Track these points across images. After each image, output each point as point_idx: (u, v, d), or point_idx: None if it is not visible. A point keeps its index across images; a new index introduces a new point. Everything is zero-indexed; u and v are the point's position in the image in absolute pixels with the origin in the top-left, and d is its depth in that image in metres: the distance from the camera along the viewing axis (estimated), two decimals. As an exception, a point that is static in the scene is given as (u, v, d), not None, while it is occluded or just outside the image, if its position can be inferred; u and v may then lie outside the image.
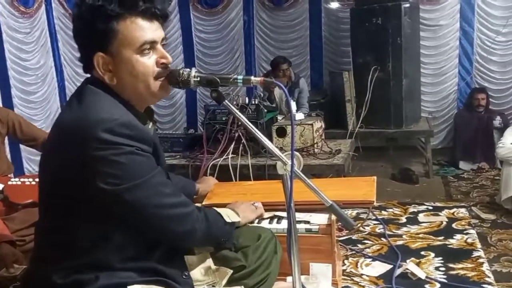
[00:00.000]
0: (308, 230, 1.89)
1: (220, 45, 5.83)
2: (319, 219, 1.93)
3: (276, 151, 1.40)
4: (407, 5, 4.54)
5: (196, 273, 1.47)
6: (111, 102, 1.31)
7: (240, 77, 1.38)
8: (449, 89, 5.24)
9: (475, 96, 4.92)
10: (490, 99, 5.00)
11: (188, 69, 1.39)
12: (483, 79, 5.13)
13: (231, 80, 1.38)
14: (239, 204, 1.77)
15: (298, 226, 1.71)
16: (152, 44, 1.33)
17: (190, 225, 1.38)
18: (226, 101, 1.41)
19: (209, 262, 1.51)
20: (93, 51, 1.31)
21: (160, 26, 1.37)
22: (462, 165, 4.74)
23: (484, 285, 2.44)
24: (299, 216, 1.85)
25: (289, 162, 1.35)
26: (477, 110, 4.88)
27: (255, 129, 1.40)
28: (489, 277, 2.54)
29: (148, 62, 1.33)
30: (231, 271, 1.51)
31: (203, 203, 1.99)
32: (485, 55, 5.09)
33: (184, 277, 1.40)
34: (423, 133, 4.67)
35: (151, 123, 1.47)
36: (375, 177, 2.13)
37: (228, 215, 1.56)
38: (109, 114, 1.24)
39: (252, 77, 1.37)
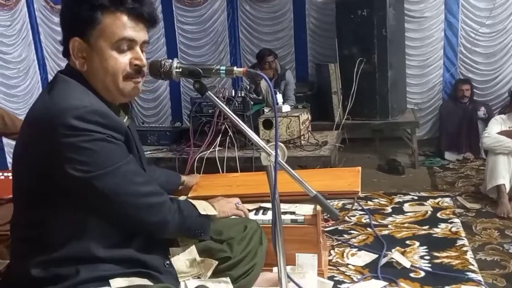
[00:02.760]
0: (294, 221, 1.89)
1: (203, 37, 5.78)
2: (305, 210, 1.93)
3: (260, 142, 1.39)
4: (392, -4, 4.56)
5: (181, 265, 1.46)
6: (82, 90, 1.29)
7: (223, 67, 1.38)
8: (434, 81, 5.26)
9: (460, 87, 4.95)
10: (475, 90, 5.03)
11: (170, 60, 1.38)
12: (467, 70, 5.16)
13: (213, 70, 1.38)
14: (219, 199, 1.75)
15: (284, 217, 1.71)
16: (131, 43, 1.33)
17: (162, 216, 1.36)
18: (209, 92, 1.40)
19: (194, 253, 1.49)
20: (71, 34, 1.30)
21: (145, 29, 1.36)
22: (448, 155, 4.77)
23: (467, 273, 2.46)
24: (285, 207, 1.84)
25: (273, 153, 1.34)
26: (461, 101, 4.92)
27: (237, 119, 1.40)
28: (472, 265, 2.56)
29: (121, 59, 1.32)
30: (216, 262, 1.50)
31: (189, 195, 1.98)
32: (469, 46, 5.12)
33: (166, 266, 1.39)
34: (409, 124, 4.70)
35: (126, 117, 1.45)
36: (359, 168, 2.14)
37: (204, 208, 1.54)
38: (79, 101, 1.23)
39: (235, 68, 1.37)
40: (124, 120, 1.42)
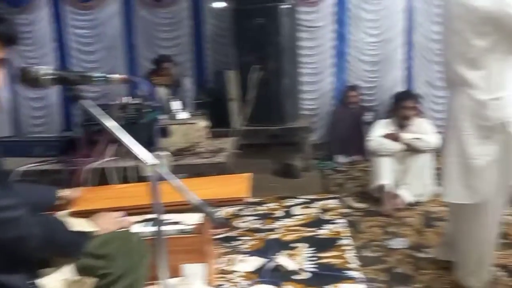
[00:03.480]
0: (180, 231, 1.88)
1: (97, 42, 5.58)
2: (193, 219, 1.93)
3: (137, 151, 1.36)
4: (286, 6, 4.74)
5: (55, 286, 1.39)
6: None
7: (98, 74, 1.34)
8: (326, 87, 5.54)
9: (348, 93, 5.27)
10: (363, 96, 5.38)
11: (39, 67, 1.32)
12: (355, 78, 5.49)
13: (88, 78, 1.33)
14: (101, 215, 1.69)
15: (169, 227, 1.69)
16: None
17: (19, 231, 1.29)
18: (83, 100, 1.35)
19: (68, 273, 1.43)
20: None
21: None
22: (338, 158, 5.03)
23: (346, 271, 2.60)
24: (172, 217, 1.83)
25: (151, 163, 1.32)
26: (350, 107, 5.23)
27: (111, 130, 1.36)
28: (350, 263, 2.70)
29: None
30: (93, 280, 1.44)
31: (70, 210, 1.89)
32: (356, 54, 5.45)
33: (29, 286, 1.32)
34: (303, 130, 4.89)
35: None
36: (250, 174, 2.18)
37: (81, 224, 1.49)
38: None
39: (113, 75, 1.34)
40: None
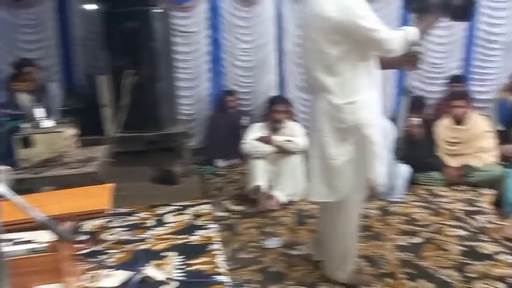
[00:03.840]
0: (30, 250, 1.73)
1: None
2: (46, 237, 1.78)
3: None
4: (159, 10, 4.66)
5: None
6: None
7: None
8: (203, 92, 5.56)
9: (225, 98, 5.34)
10: (240, 101, 5.49)
11: None
12: (232, 83, 5.58)
13: None
14: None
15: (19, 247, 1.55)
16: None
17: None
18: None
19: None
20: None
21: None
22: (218, 162, 5.07)
23: (214, 277, 2.62)
24: (23, 235, 1.68)
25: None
26: (228, 111, 5.30)
27: None
28: (220, 268, 2.72)
29: None
30: None
31: None
32: (231, 60, 5.55)
33: None
34: (181, 135, 4.85)
35: None
36: (111, 184, 2.10)
37: None
38: None
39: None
40: None
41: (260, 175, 3.84)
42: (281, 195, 3.78)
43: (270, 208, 3.67)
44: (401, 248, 2.97)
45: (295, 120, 4.44)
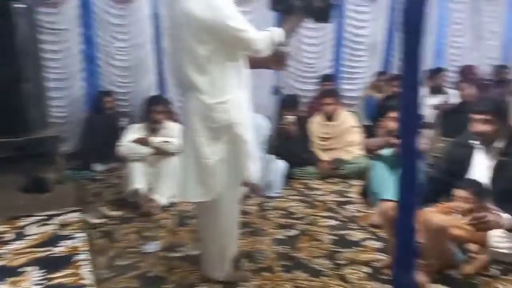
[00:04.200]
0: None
1: None
2: None
3: None
4: (21, 6, 4.30)
5: None
6: None
7: None
8: (77, 93, 5.26)
9: (102, 99, 5.11)
10: (118, 102, 5.28)
11: None
12: (108, 83, 5.36)
13: None
14: None
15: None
16: None
17: None
18: None
19: None
20: None
21: None
22: (96, 167, 4.84)
23: None
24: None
25: None
26: (105, 113, 5.08)
27: None
28: (84, 279, 2.58)
29: None
30: None
31: None
32: (107, 59, 5.33)
33: None
34: (52, 139, 4.53)
35: None
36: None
37: None
38: None
39: None
40: None
41: (138, 178, 3.74)
42: (161, 198, 3.71)
43: (151, 212, 3.58)
44: (278, 242, 3.08)
45: (175, 121, 4.39)
